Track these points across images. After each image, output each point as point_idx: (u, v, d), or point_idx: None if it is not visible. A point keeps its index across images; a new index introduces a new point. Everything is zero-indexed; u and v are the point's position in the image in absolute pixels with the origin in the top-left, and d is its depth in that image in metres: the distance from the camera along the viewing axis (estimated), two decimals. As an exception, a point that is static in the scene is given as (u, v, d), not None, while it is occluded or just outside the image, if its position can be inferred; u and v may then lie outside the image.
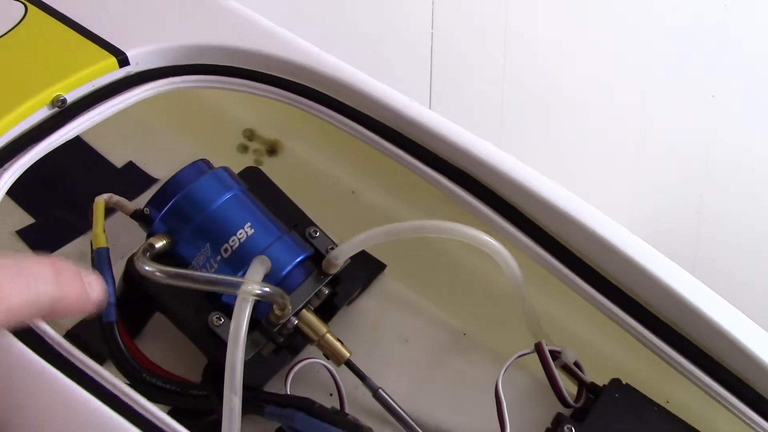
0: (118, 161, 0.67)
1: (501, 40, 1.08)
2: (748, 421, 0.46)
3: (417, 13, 1.08)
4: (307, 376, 0.50)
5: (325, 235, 0.53)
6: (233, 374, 0.39)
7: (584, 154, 1.05)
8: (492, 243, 0.47)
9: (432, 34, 1.05)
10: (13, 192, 0.48)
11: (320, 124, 0.59)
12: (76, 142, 0.58)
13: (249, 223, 0.48)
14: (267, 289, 0.43)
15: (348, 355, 0.49)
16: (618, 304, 0.49)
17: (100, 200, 0.49)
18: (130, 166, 0.66)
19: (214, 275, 0.44)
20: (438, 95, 1.02)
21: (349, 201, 0.69)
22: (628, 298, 0.49)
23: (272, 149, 0.73)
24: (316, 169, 0.71)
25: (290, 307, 0.45)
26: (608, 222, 0.50)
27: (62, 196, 0.63)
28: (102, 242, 0.48)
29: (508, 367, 0.46)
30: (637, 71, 1.08)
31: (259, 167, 0.59)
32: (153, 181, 0.66)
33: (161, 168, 0.67)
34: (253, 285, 0.42)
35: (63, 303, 0.22)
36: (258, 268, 0.44)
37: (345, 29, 1.06)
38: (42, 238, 0.60)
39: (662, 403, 0.51)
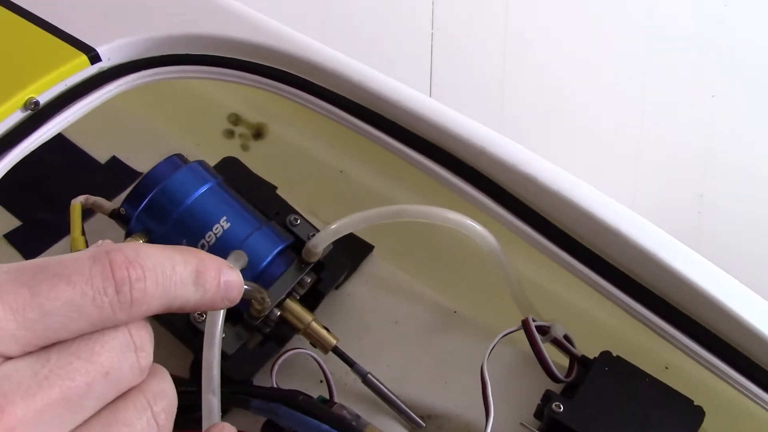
0: (102, 157, 0.66)
1: (501, 36, 1.06)
2: (742, 389, 0.46)
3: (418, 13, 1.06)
4: (296, 366, 0.50)
5: (307, 221, 0.52)
6: (210, 375, 0.38)
7: (583, 155, 1.04)
8: (473, 226, 0.46)
9: (432, 34, 1.04)
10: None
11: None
12: (58, 140, 0.57)
13: (225, 217, 0.48)
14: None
15: (334, 342, 0.48)
16: (613, 282, 0.48)
17: (77, 203, 0.49)
18: (114, 161, 0.66)
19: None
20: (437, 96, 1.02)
21: (337, 181, 0.68)
22: (623, 274, 0.48)
23: (258, 133, 0.73)
24: (303, 150, 0.70)
25: (269, 301, 0.45)
26: (599, 197, 0.49)
27: (47, 196, 0.63)
28: (81, 246, 0.47)
29: (493, 347, 0.45)
30: (637, 71, 1.06)
31: (238, 156, 0.58)
32: (138, 175, 0.65)
33: (146, 161, 0.66)
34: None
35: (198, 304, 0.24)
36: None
37: (347, 29, 1.06)
38: (30, 241, 0.60)
39: (661, 369, 0.50)
